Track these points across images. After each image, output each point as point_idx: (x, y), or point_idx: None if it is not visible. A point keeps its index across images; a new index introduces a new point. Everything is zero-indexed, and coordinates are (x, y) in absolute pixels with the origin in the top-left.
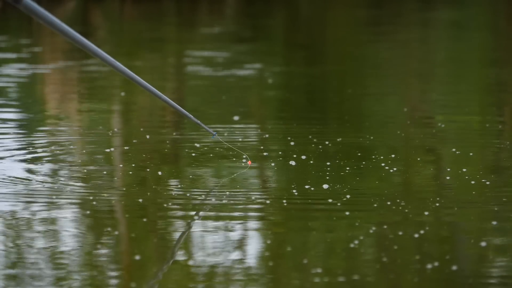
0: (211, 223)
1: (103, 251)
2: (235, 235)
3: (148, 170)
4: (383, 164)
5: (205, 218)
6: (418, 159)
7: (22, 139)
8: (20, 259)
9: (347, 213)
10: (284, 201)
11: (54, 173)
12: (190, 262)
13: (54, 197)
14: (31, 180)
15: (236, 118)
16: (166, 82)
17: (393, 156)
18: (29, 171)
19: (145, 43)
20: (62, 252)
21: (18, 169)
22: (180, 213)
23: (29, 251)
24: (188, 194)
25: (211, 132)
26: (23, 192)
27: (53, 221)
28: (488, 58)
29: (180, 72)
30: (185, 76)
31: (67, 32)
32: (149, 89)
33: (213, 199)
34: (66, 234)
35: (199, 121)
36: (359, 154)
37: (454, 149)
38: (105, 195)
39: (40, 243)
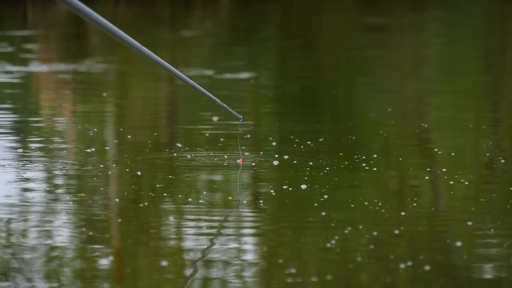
0: (190, 224)
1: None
2: (211, 236)
3: (127, 170)
4: (364, 164)
5: (183, 219)
6: (400, 159)
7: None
8: (11, 266)
9: (323, 213)
10: (261, 201)
11: (35, 175)
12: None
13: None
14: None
15: (215, 119)
16: (158, 83)
17: (374, 156)
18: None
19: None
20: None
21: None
22: (156, 212)
23: (20, 256)
24: (165, 194)
25: (238, 116)
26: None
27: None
28: (481, 61)
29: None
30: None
31: (100, 23)
32: (173, 71)
33: (190, 199)
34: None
35: (226, 105)
36: (340, 154)
37: (436, 149)
38: (82, 194)
39: (28, 246)
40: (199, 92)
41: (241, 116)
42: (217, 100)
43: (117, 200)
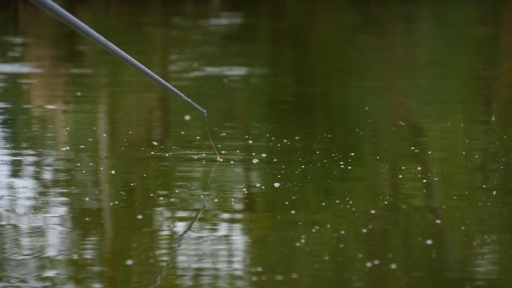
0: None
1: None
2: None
3: (102, 169)
4: (341, 163)
5: (156, 215)
6: (378, 157)
7: None
8: (6, 265)
9: (293, 212)
10: (232, 199)
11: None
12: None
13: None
14: None
15: (187, 117)
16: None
17: (352, 154)
18: None
19: (130, 44)
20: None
21: None
22: (127, 209)
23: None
24: (140, 192)
25: (202, 110)
26: None
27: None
28: (474, 59)
29: (164, 71)
30: (168, 76)
31: (72, 22)
32: (141, 68)
33: (159, 197)
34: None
35: (190, 100)
36: (317, 152)
37: (413, 148)
38: (51, 194)
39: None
40: (164, 87)
41: (205, 111)
42: (181, 94)
43: (87, 198)
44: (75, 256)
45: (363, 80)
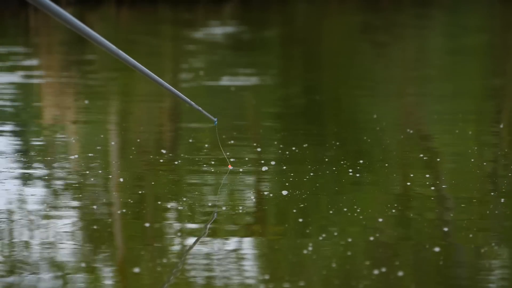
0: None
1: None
2: (189, 241)
3: (110, 177)
4: (350, 170)
5: (163, 223)
6: (386, 164)
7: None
8: (17, 270)
9: (300, 220)
10: (240, 207)
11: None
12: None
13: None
14: None
15: (194, 125)
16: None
17: (361, 162)
18: None
19: (141, 52)
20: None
21: None
22: (136, 217)
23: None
24: (149, 199)
25: (212, 119)
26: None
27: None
28: (485, 70)
29: (172, 80)
30: (176, 84)
31: (73, 23)
32: (151, 76)
33: (168, 205)
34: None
35: (200, 108)
36: (326, 160)
37: (421, 155)
38: (61, 202)
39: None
40: (175, 96)
41: (215, 119)
42: (192, 103)
43: (95, 207)
44: (82, 265)
45: (371, 88)
